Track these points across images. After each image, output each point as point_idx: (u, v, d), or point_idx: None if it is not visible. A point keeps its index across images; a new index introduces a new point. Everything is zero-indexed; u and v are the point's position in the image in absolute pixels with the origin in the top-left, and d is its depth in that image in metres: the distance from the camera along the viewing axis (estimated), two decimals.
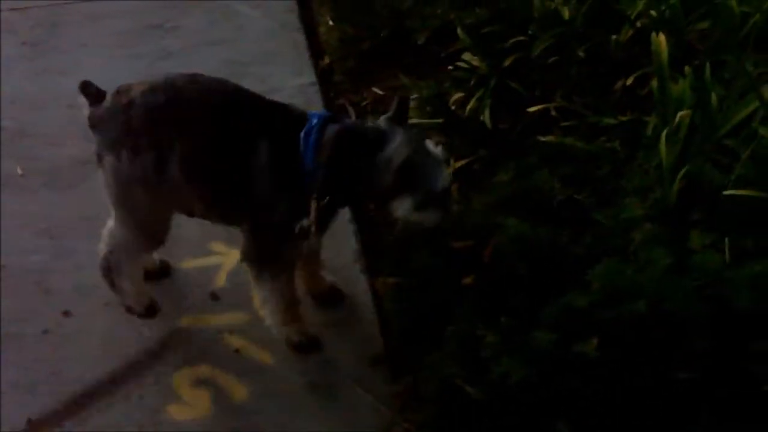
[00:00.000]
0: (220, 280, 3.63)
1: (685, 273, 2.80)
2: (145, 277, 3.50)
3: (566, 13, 4.19)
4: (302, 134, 2.96)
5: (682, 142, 3.34)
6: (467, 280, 3.16)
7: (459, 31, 4.46)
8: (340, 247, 3.71)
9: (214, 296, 3.56)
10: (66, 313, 3.48)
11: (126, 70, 4.60)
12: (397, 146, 2.88)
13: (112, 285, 3.38)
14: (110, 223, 3.31)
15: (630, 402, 2.60)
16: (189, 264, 3.71)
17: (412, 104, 3.89)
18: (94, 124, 3.09)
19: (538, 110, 3.97)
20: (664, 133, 3.27)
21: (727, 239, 2.93)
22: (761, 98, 3.46)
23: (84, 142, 4.02)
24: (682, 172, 3.18)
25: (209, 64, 4.69)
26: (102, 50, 5.13)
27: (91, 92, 3.08)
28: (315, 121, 2.99)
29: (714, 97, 3.50)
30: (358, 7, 5.22)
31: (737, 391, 2.59)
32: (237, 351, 3.34)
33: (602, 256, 2.96)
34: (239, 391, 3.21)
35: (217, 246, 3.76)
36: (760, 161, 3.29)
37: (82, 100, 3.09)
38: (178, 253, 3.69)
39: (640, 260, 2.89)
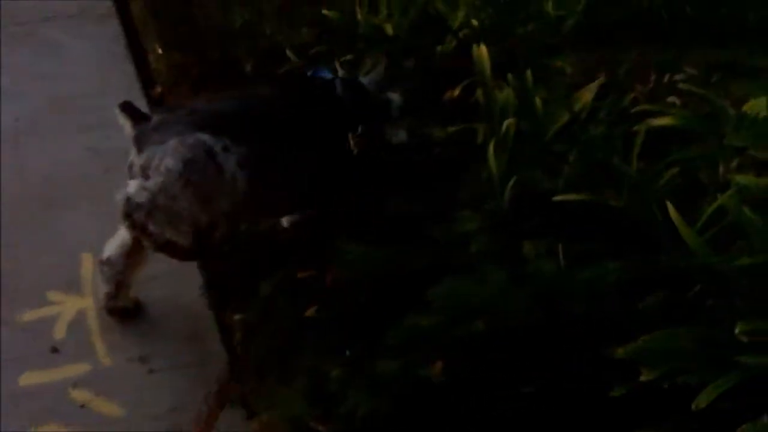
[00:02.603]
0: (60, 332, 3.49)
1: (522, 284, 2.85)
2: None
3: (389, 29, 4.22)
4: None
5: (510, 150, 3.41)
6: (310, 312, 3.13)
7: (288, 52, 4.43)
8: (185, 282, 3.63)
9: (55, 349, 3.43)
10: None
11: None
12: None
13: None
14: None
15: (480, 423, 2.62)
16: (25, 317, 3.56)
17: None
18: (142, 140, 3.08)
19: None
20: (492, 143, 3.33)
21: (560, 245, 3.00)
22: (570, 109, 3.56)
23: None
24: (512, 181, 3.24)
25: (38, 101, 4.59)
26: None
27: (133, 112, 3.16)
28: None
29: (538, 102, 3.58)
30: (185, 33, 5.12)
31: (585, 398, 2.63)
32: (83, 406, 3.22)
33: (441, 273, 2.98)
34: None
35: (55, 295, 3.62)
36: (586, 163, 3.39)
37: (124, 121, 3.14)
38: (13, 304, 3.54)
39: (478, 275, 2.92)
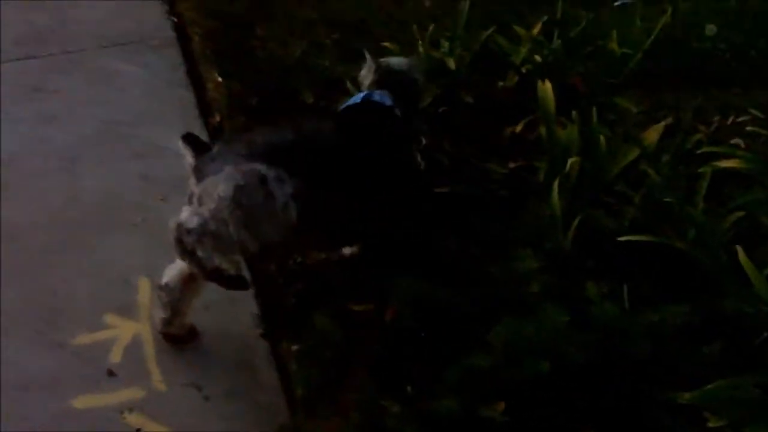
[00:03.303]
0: (116, 356, 3.49)
1: (585, 326, 2.80)
2: None
3: (452, 63, 4.20)
4: None
5: (573, 189, 3.37)
6: (368, 345, 3.09)
7: (349, 85, 4.42)
8: (239, 311, 3.61)
9: (111, 373, 3.42)
10: None
11: (7, 137, 4.46)
12: None
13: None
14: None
15: None
16: (81, 340, 3.56)
17: None
18: (201, 169, 3.11)
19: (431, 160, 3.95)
20: (556, 182, 3.29)
21: (625, 287, 2.94)
22: (641, 144, 3.52)
23: None
24: (576, 221, 3.19)
25: (92, 127, 4.58)
26: None
27: (195, 142, 3.16)
28: None
29: (602, 140, 3.54)
30: (243, 63, 5.15)
31: None
32: (138, 430, 3.20)
33: (501, 312, 2.93)
34: None
35: (111, 319, 3.62)
36: (650, 204, 3.34)
37: (186, 150, 3.15)
38: (68, 327, 3.54)
39: (539, 315, 2.87)
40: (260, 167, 3.06)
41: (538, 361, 2.64)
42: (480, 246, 3.39)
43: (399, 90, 3.55)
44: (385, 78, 3.59)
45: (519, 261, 3.13)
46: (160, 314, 3.38)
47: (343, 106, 3.56)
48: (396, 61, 3.73)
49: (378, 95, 3.53)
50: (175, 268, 3.30)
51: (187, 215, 3.07)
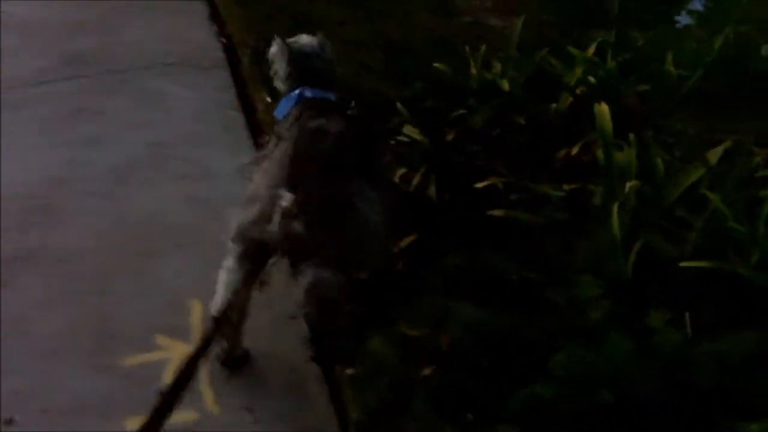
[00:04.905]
0: (168, 378, 3.45)
1: (648, 354, 2.72)
2: None
3: (506, 85, 4.14)
4: None
5: (632, 213, 3.30)
6: (426, 371, 3.02)
7: (399, 106, 4.37)
8: (288, 333, 3.57)
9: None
10: (9, 422, 3.29)
11: (53, 160, 4.47)
12: None
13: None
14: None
15: None
16: (132, 361, 3.52)
17: None
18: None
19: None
20: (615, 206, 3.22)
21: (687, 315, 2.87)
22: (706, 163, 3.45)
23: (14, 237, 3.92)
24: (637, 246, 3.12)
25: (139, 148, 4.56)
26: (26, 139, 4.87)
27: None
28: None
29: (660, 163, 3.47)
30: None
31: None
32: None
33: (561, 339, 2.87)
34: None
35: (162, 340, 3.59)
36: (711, 229, 3.26)
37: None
38: (121, 349, 3.52)
39: (601, 343, 2.80)
40: None
41: (601, 390, 2.57)
42: (537, 271, 3.32)
43: (313, 72, 3.54)
44: (298, 60, 3.55)
45: (579, 287, 3.05)
46: (217, 347, 3.35)
47: (287, 108, 3.50)
48: (306, 41, 3.67)
49: (309, 91, 3.49)
50: (223, 294, 3.27)
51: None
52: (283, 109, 3.53)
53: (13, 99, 5.02)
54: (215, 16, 5.61)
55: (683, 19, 4.57)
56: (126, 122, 4.87)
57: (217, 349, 3.35)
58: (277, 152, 3.22)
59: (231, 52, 5.42)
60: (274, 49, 3.63)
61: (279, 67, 3.62)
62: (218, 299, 3.28)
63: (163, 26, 5.57)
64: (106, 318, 3.60)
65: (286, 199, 2.98)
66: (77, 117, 4.91)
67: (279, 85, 3.64)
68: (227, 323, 3.27)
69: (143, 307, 3.68)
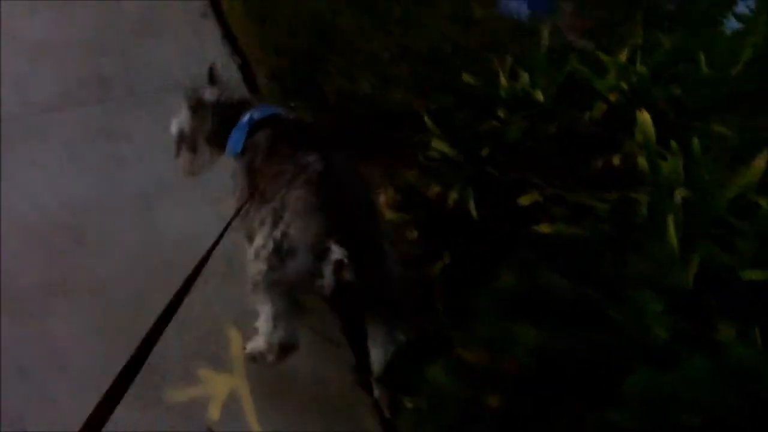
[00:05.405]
0: (215, 412, 3.36)
1: (724, 371, 2.63)
2: None
3: (540, 95, 4.06)
4: None
5: (684, 223, 3.22)
6: (493, 401, 2.91)
7: (426, 119, 4.28)
8: (335, 358, 3.50)
9: (211, 431, 3.30)
10: None
11: (81, 185, 4.39)
12: None
13: None
14: None
15: None
16: (177, 396, 3.44)
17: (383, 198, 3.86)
18: None
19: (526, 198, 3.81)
20: (670, 216, 3.13)
21: (757, 329, 2.79)
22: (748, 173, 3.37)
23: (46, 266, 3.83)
24: (697, 258, 3.03)
25: (165, 170, 4.46)
26: (52, 164, 4.78)
27: None
28: None
29: (705, 170, 3.40)
30: (311, 100, 5.05)
31: None
32: None
33: (629, 359, 2.77)
34: None
35: (205, 373, 3.50)
36: (764, 237, 3.18)
37: None
38: (163, 383, 3.43)
39: (674, 362, 2.71)
40: None
41: (685, 414, 2.48)
42: (592, 287, 3.23)
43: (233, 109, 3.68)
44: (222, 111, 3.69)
45: (641, 303, 2.96)
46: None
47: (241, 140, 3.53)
48: (208, 91, 3.85)
49: (257, 112, 3.58)
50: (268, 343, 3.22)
51: None
52: (237, 142, 3.46)
53: (38, 124, 4.92)
54: (228, 35, 5.51)
55: (731, 24, 4.44)
56: (153, 145, 4.79)
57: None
58: (279, 200, 3.17)
59: (246, 70, 5.33)
60: (183, 116, 3.60)
61: (198, 130, 3.66)
62: (261, 343, 3.21)
63: (179, 47, 5.47)
64: None
65: (338, 252, 2.93)
66: (101, 140, 4.83)
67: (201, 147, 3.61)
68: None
69: (182, 336, 3.63)
